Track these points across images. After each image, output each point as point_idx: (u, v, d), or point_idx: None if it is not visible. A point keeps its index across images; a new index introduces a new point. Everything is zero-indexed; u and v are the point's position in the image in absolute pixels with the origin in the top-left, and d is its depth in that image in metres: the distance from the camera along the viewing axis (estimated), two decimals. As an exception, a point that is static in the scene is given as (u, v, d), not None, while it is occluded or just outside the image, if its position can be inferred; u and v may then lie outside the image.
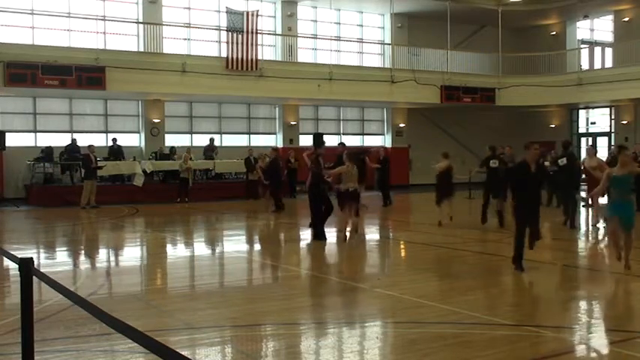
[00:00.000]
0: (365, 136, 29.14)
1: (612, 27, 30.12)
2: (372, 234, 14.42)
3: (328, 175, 12.47)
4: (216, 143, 25.12)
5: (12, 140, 21.52)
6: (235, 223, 16.69)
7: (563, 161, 13.96)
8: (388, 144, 29.22)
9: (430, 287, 8.41)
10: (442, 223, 14.38)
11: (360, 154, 14.57)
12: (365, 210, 14.64)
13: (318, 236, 12.30)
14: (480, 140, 28.36)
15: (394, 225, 16.24)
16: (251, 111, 26.74)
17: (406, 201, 24.21)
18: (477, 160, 26.31)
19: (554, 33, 30.68)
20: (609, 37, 30.83)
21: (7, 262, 9.24)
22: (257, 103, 26.45)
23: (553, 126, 30.70)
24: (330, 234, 12.70)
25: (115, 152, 22.38)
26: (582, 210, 17.40)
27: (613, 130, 29.08)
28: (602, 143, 28.73)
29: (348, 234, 12.34)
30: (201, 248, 12.73)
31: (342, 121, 28.96)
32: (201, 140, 24.99)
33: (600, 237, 13.12)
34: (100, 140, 23.05)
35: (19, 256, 4.15)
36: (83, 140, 22.00)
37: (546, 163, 21.01)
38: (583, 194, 16.79)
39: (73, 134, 22.79)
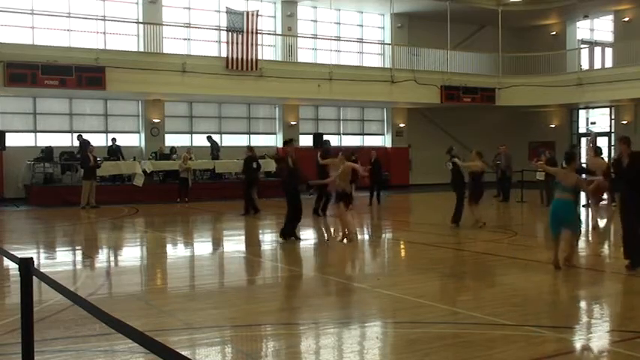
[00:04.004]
0: (365, 136, 29.14)
1: (612, 27, 30.11)
2: (371, 234, 14.44)
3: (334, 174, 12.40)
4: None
5: (12, 140, 21.52)
6: (235, 223, 16.67)
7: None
8: (388, 144, 29.25)
9: (430, 287, 8.40)
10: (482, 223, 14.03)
11: (351, 154, 14.48)
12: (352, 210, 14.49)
13: (289, 235, 12.14)
14: (480, 140, 28.38)
15: (394, 225, 16.23)
16: (251, 111, 26.74)
17: (406, 201, 24.22)
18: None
19: (554, 33, 30.67)
20: (609, 37, 30.82)
21: (7, 262, 9.24)
22: (257, 103, 26.45)
23: (553, 126, 30.71)
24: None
25: (115, 152, 22.39)
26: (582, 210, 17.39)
27: (613, 130, 29.07)
28: (602, 143, 28.69)
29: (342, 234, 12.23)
30: (201, 248, 12.73)
31: (342, 121, 28.96)
32: (201, 140, 25.00)
33: (602, 237, 13.14)
34: (100, 140, 23.05)
35: (19, 256, 4.15)
36: (83, 140, 22.01)
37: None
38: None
39: (78, 134, 22.73)
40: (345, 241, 11.87)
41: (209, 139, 24.25)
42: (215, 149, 23.97)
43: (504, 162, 21.32)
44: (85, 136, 22.28)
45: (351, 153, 13.84)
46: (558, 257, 8.99)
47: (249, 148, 18.58)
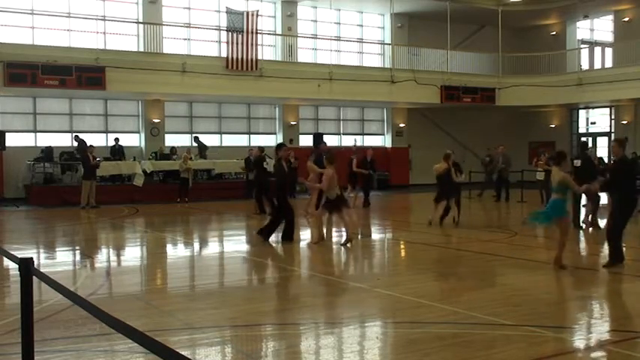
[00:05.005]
0: (365, 136, 29.13)
1: (612, 27, 30.12)
2: (371, 234, 14.44)
3: (318, 185, 12.23)
4: (216, 143, 25.13)
5: (12, 140, 21.51)
6: (235, 223, 16.68)
7: (577, 162, 13.83)
8: (388, 144, 29.25)
9: (430, 287, 8.41)
10: (432, 222, 14.49)
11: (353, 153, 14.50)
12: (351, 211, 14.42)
13: (267, 235, 12.21)
14: (480, 140, 28.42)
15: (393, 225, 16.23)
16: (251, 111, 26.74)
17: (406, 201, 24.22)
18: (477, 160, 26.46)
19: (554, 33, 30.68)
20: (609, 37, 30.83)
21: (7, 262, 9.24)
22: (257, 103, 26.45)
23: (553, 126, 30.72)
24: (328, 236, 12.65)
25: (117, 152, 22.39)
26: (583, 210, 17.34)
27: (613, 130, 29.08)
28: (602, 143, 28.74)
29: (346, 237, 11.76)
30: (201, 248, 12.73)
31: (342, 121, 28.97)
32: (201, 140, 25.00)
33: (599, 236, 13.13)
34: (100, 140, 23.07)
35: (19, 256, 4.15)
36: (83, 140, 22.00)
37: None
38: None
39: (77, 134, 22.72)
40: (349, 245, 11.58)
41: (196, 139, 24.28)
42: (202, 150, 23.97)
43: (502, 162, 21.30)
44: (85, 136, 22.31)
45: (353, 152, 13.81)
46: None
47: (260, 149, 18.51)
